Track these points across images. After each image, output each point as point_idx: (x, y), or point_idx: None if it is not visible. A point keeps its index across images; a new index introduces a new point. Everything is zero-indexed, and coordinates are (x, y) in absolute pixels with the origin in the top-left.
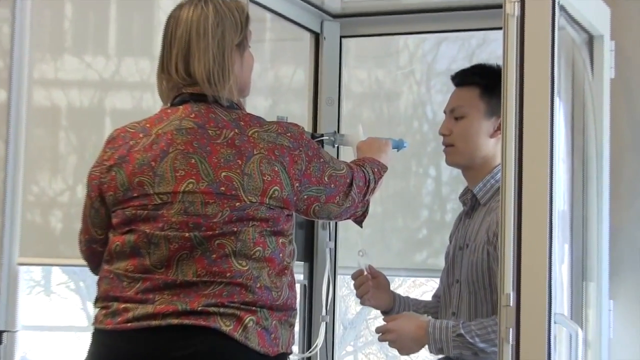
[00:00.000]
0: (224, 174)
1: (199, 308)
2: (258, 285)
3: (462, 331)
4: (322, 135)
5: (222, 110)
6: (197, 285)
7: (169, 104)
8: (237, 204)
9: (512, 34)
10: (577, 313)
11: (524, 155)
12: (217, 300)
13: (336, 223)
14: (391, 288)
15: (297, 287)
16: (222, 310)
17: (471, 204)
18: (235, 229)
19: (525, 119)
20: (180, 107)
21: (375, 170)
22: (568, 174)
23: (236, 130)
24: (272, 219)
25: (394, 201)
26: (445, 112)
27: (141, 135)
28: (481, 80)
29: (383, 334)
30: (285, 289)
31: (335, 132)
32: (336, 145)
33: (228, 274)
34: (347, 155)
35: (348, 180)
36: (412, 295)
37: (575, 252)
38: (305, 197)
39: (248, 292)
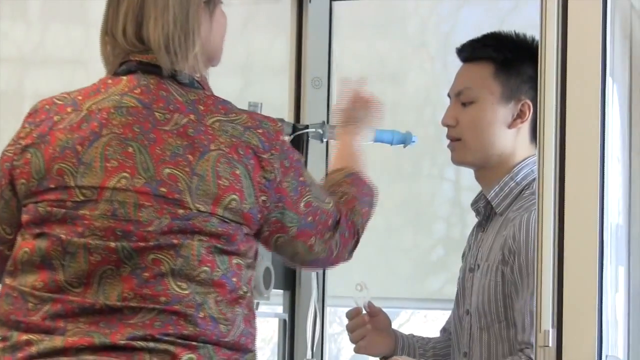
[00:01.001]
0: (167, 171)
1: (122, 342)
2: (201, 314)
3: None
4: (306, 127)
5: (178, 88)
6: (121, 311)
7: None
8: (181, 211)
9: None
10: (636, 355)
11: (567, 153)
12: (147, 332)
13: None
14: (397, 323)
15: (275, 322)
16: (151, 345)
17: (485, 213)
18: (176, 242)
19: (569, 106)
20: (125, 78)
21: (365, 209)
22: (624, 177)
23: (192, 117)
24: (226, 236)
25: (401, 212)
26: (449, 95)
27: (69, 109)
28: (496, 55)
29: None
30: (239, 324)
31: (323, 122)
32: (325, 140)
33: (162, 299)
34: None
35: (331, 222)
36: (424, 334)
37: (633, 277)
38: (273, 219)
39: (187, 322)
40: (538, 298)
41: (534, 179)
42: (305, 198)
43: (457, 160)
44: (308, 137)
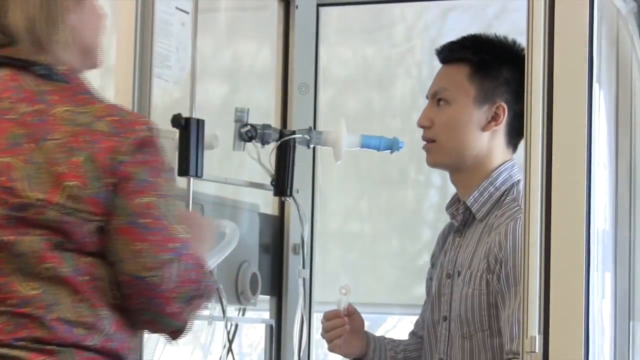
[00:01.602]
0: (4, 160)
1: None
2: (52, 316)
3: None
4: (293, 133)
5: (34, 79)
6: None
7: None
8: (14, 200)
9: (539, 1)
10: None
11: (554, 159)
12: None
13: (312, 243)
14: (384, 329)
15: (262, 328)
16: (3, 351)
17: (463, 218)
18: (11, 238)
19: (556, 112)
20: None
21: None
22: (611, 184)
23: (39, 106)
24: (65, 231)
25: (387, 217)
26: (427, 97)
27: None
28: (472, 56)
29: None
30: (104, 328)
31: (310, 128)
32: (312, 146)
33: (12, 301)
34: (328, 159)
35: (174, 245)
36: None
37: (619, 283)
38: (102, 200)
39: (39, 325)
40: (525, 304)
41: (513, 185)
42: (149, 198)
43: (432, 162)
44: (295, 142)
